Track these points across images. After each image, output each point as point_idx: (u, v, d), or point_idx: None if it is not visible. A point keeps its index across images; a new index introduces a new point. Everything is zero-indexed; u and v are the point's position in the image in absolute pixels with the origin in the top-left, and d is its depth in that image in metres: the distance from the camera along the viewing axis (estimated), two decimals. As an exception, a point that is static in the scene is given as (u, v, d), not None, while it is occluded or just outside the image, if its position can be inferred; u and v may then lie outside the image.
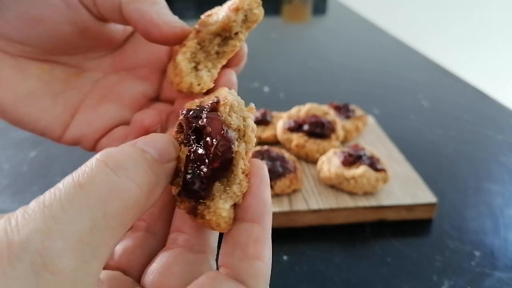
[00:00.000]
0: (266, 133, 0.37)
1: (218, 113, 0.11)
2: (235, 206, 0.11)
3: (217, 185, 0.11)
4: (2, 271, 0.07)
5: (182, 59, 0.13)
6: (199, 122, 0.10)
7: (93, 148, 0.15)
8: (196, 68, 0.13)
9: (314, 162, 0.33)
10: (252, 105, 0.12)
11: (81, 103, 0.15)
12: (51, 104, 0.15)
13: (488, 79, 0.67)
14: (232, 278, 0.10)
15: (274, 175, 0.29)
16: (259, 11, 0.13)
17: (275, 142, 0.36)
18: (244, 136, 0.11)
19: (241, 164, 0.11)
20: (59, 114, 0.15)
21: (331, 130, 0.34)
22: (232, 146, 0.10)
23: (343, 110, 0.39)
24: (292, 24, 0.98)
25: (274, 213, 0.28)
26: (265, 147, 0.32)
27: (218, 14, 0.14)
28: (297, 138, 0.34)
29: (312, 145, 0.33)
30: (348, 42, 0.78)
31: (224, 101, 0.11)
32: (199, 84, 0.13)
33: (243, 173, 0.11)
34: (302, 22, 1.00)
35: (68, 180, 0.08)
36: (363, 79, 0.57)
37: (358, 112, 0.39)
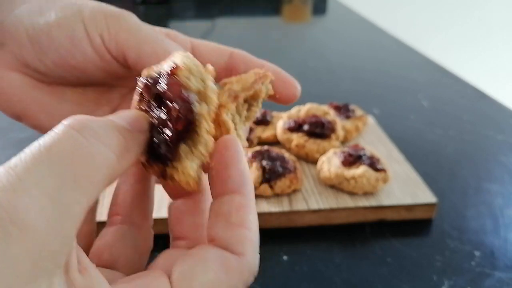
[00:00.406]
0: (266, 133, 0.37)
1: (177, 77, 0.11)
2: (209, 178, 0.11)
3: (183, 146, 0.11)
4: None
5: (227, 119, 0.13)
6: (159, 88, 0.11)
7: None
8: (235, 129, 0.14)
9: (314, 162, 0.33)
10: (210, 66, 0.12)
11: None
12: None
13: (488, 79, 0.67)
14: (218, 247, 0.10)
15: (274, 175, 0.29)
16: (271, 87, 0.14)
17: (275, 142, 0.36)
18: (206, 97, 0.11)
19: (205, 125, 0.11)
20: None
21: (331, 130, 0.34)
22: (193, 107, 0.11)
23: (343, 110, 0.39)
24: (292, 24, 0.98)
25: (274, 213, 0.28)
26: (265, 147, 0.32)
27: (243, 81, 0.14)
28: (297, 138, 0.34)
29: (312, 145, 0.33)
30: (348, 42, 0.78)
31: (182, 65, 0.11)
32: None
33: (207, 133, 0.11)
34: (302, 22, 1.00)
35: (34, 144, 0.08)
36: (363, 79, 0.57)
37: (358, 112, 0.39)
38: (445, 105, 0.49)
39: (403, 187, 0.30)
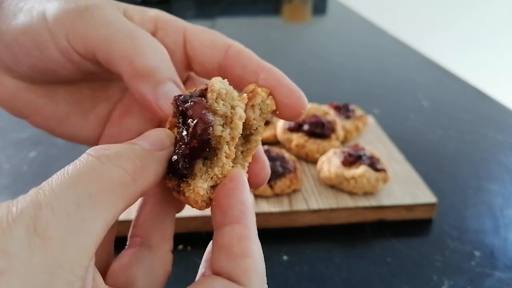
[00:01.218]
0: (266, 133, 0.37)
1: (204, 98, 0.11)
2: (211, 208, 0.11)
3: (200, 165, 0.12)
4: (1, 231, 0.08)
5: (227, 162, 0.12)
6: (185, 105, 0.11)
7: None
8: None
9: (314, 162, 0.33)
10: (245, 95, 0.12)
11: (110, 114, 0.16)
12: (83, 123, 0.16)
13: (488, 79, 0.67)
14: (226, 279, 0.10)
15: (274, 175, 0.29)
16: (271, 101, 0.13)
17: (275, 142, 0.36)
18: (231, 123, 0.12)
19: (226, 149, 0.11)
20: (91, 129, 0.16)
21: (331, 130, 0.34)
22: (211, 128, 0.11)
23: (343, 110, 0.39)
24: (292, 24, 0.98)
25: (274, 213, 0.28)
26: (265, 147, 0.32)
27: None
28: (297, 138, 0.34)
29: (312, 145, 0.33)
30: (348, 42, 0.78)
31: (211, 87, 0.11)
32: None
33: (227, 157, 0.11)
34: (302, 22, 1.00)
35: (61, 170, 0.10)
36: (363, 79, 0.57)
37: (358, 112, 0.39)
38: (445, 105, 0.49)
39: (403, 187, 0.30)
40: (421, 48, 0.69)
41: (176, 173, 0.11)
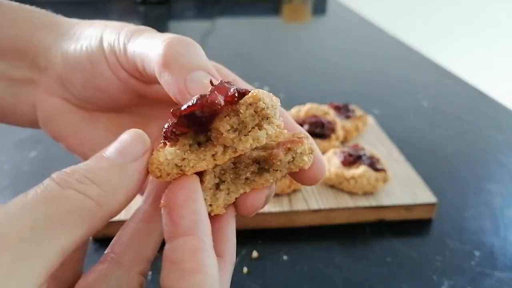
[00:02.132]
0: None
1: (239, 100, 0.11)
2: (164, 217, 0.10)
3: (185, 141, 0.11)
4: None
5: (209, 172, 0.11)
6: (215, 85, 0.11)
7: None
8: (217, 186, 0.12)
9: (314, 162, 0.33)
10: (286, 132, 0.11)
11: None
12: None
13: (488, 79, 0.67)
14: None
15: (274, 175, 0.29)
16: (308, 159, 0.12)
17: (275, 142, 0.36)
18: (245, 135, 0.11)
19: (219, 151, 0.11)
20: None
21: (331, 130, 0.34)
22: (216, 106, 0.10)
23: (343, 110, 0.39)
24: (292, 24, 0.98)
25: (274, 213, 0.28)
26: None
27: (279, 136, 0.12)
28: (297, 138, 0.34)
29: (312, 145, 0.33)
30: (348, 42, 0.78)
31: (253, 93, 0.11)
32: (210, 205, 0.12)
33: (213, 158, 0.11)
34: (302, 22, 1.00)
35: (21, 194, 0.09)
36: (363, 79, 0.57)
37: (358, 112, 0.39)
38: (445, 105, 0.49)
39: (403, 187, 0.30)
40: (421, 48, 0.69)
41: (168, 130, 0.11)
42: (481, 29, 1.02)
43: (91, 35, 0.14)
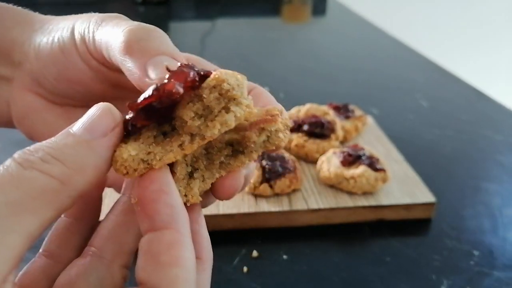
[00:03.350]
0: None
1: (202, 81, 0.10)
2: (138, 213, 0.10)
3: (148, 134, 0.10)
4: None
5: (180, 162, 0.11)
6: (173, 70, 0.10)
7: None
8: (191, 174, 0.11)
9: (313, 162, 0.33)
10: (258, 111, 0.10)
11: None
12: None
13: (487, 79, 0.67)
14: None
15: (274, 175, 0.29)
16: (284, 136, 0.11)
17: (274, 142, 0.37)
18: (211, 120, 0.10)
19: (185, 140, 0.10)
20: None
21: (330, 130, 0.34)
22: (174, 96, 0.09)
23: (343, 110, 0.39)
24: (291, 24, 0.98)
25: (274, 212, 0.28)
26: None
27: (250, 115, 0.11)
28: (296, 138, 0.34)
29: (312, 145, 0.34)
30: (348, 42, 0.78)
31: (216, 74, 0.10)
32: (185, 195, 0.11)
33: (181, 148, 0.10)
34: (301, 22, 1.00)
35: None
36: (363, 79, 0.57)
37: (358, 112, 0.39)
38: (443, 105, 0.49)
39: (402, 187, 0.30)
40: (420, 48, 0.69)
41: (124, 128, 0.10)
42: (480, 30, 1.03)
43: (63, 27, 0.14)
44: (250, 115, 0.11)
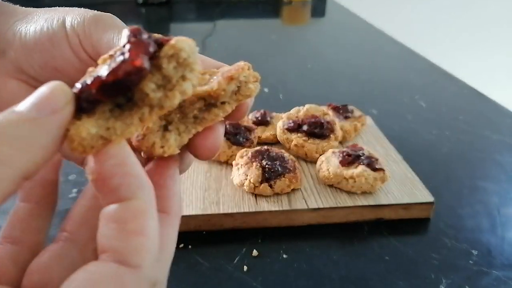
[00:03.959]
0: (266, 133, 0.37)
1: (159, 50, 0.09)
2: (95, 188, 0.10)
3: (105, 108, 0.10)
4: None
5: None
6: (130, 39, 0.09)
7: None
8: (165, 127, 0.11)
9: (313, 161, 0.34)
10: (201, 68, 0.10)
11: None
12: None
13: (485, 80, 0.68)
14: (112, 261, 0.09)
15: (274, 175, 0.29)
16: (254, 87, 0.12)
17: (275, 142, 0.37)
18: (170, 90, 0.10)
19: (145, 112, 0.10)
20: None
21: (330, 130, 0.35)
22: (137, 76, 0.09)
23: (342, 111, 0.39)
24: (291, 26, 0.98)
25: (274, 211, 0.28)
26: (265, 147, 0.32)
27: (212, 76, 0.12)
28: (296, 138, 0.34)
29: (311, 145, 0.34)
30: (347, 43, 0.79)
31: (173, 43, 0.10)
32: (162, 147, 0.11)
33: (141, 121, 0.10)
34: (301, 24, 1.00)
35: None
36: (362, 80, 0.58)
37: (357, 112, 0.40)
38: (441, 106, 0.50)
39: (401, 187, 0.31)
40: (418, 49, 0.70)
41: (77, 104, 0.09)
42: (478, 31, 1.03)
43: (52, 18, 0.14)
44: (213, 74, 0.12)
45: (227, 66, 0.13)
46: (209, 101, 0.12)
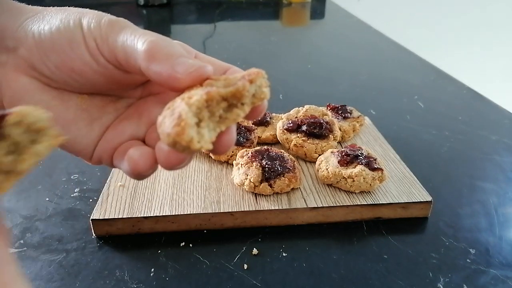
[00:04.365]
0: (266, 133, 0.37)
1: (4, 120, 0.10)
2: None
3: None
4: None
5: (188, 110, 0.12)
6: None
7: (112, 164, 0.16)
8: (198, 125, 0.12)
9: (312, 161, 0.34)
10: (58, 133, 0.11)
11: (111, 124, 0.17)
12: (87, 130, 0.16)
13: (483, 80, 0.68)
14: None
15: (274, 174, 0.29)
16: (267, 91, 0.13)
17: (274, 142, 0.37)
18: (22, 154, 0.10)
19: (1, 177, 0.10)
20: (93, 138, 0.16)
21: (329, 130, 0.35)
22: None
23: (341, 111, 0.39)
24: (291, 27, 0.99)
25: (274, 211, 0.28)
26: (265, 147, 0.32)
27: (229, 80, 0.13)
28: (296, 138, 0.35)
29: (311, 145, 0.34)
30: (346, 44, 0.79)
31: (17, 112, 0.10)
32: (199, 142, 0.12)
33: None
34: (301, 25, 1.01)
35: None
36: (360, 81, 0.58)
37: (355, 113, 0.40)
38: (440, 106, 0.50)
39: (399, 186, 0.31)
40: (417, 50, 0.70)
41: None
42: (477, 31, 1.04)
43: (68, 19, 0.15)
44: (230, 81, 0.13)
45: (236, 67, 0.15)
46: (231, 102, 0.13)
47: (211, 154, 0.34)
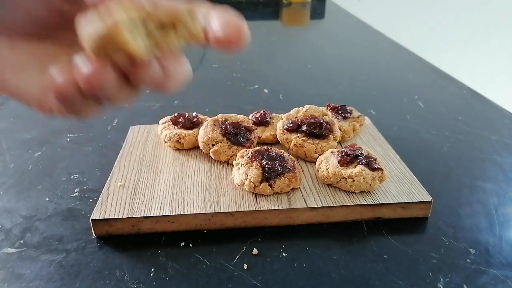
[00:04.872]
0: (266, 133, 0.37)
1: None
2: None
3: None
4: None
5: (123, 13, 0.11)
6: None
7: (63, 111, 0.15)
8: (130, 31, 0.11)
9: (312, 161, 0.34)
10: None
11: None
12: (38, 78, 0.15)
13: (483, 80, 0.68)
14: None
15: (274, 174, 0.29)
16: (200, 31, 0.12)
17: (274, 142, 0.37)
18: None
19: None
20: (43, 86, 0.15)
21: (329, 130, 0.35)
22: None
23: (341, 111, 0.39)
24: (291, 27, 0.99)
25: (274, 211, 0.28)
26: (265, 147, 0.32)
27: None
28: (296, 139, 0.35)
29: (311, 145, 0.34)
30: (346, 44, 0.79)
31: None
32: (133, 45, 0.11)
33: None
34: (300, 25, 1.01)
35: None
36: (361, 81, 0.58)
37: (355, 113, 0.40)
38: (440, 106, 0.50)
39: (399, 186, 0.31)
40: (417, 50, 0.70)
41: None
42: (477, 31, 1.04)
43: None
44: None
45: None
46: (168, 21, 0.12)
47: (211, 154, 0.34)
